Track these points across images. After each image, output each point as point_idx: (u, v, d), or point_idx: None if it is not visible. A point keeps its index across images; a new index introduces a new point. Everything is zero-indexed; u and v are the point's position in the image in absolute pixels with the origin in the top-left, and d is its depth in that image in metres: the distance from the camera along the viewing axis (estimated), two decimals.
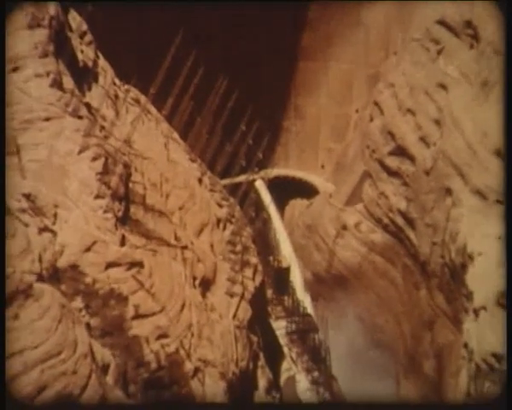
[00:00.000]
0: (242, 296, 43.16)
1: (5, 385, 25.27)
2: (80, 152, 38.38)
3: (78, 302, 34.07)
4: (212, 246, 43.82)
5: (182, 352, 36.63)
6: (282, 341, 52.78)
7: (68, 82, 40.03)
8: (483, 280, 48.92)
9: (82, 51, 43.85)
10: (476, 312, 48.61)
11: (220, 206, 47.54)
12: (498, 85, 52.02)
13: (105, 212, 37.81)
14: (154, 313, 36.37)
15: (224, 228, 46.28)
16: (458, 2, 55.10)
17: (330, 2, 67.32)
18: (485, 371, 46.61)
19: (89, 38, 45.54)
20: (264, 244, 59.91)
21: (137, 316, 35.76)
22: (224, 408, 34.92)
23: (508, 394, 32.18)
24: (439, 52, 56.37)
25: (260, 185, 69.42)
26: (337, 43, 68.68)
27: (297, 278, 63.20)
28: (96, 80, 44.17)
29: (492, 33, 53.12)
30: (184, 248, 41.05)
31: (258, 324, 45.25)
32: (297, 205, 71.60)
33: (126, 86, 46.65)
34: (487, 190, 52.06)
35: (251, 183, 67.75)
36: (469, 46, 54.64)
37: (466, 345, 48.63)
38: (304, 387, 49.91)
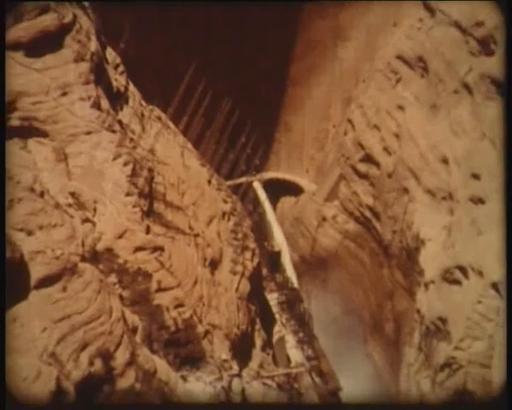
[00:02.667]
0: (243, 274, 43.31)
1: (5, 385, 23.37)
2: (114, 159, 38.58)
3: (113, 278, 34.29)
4: (218, 234, 43.87)
5: (195, 318, 36.83)
6: (274, 309, 52.59)
7: (105, 104, 40.09)
8: (432, 260, 49.54)
9: (116, 79, 43.80)
10: (426, 285, 49.32)
11: (225, 202, 47.55)
12: (444, 107, 52.36)
13: (133, 207, 37.93)
14: (172, 288, 36.57)
15: (229, 220, 46.32)
16: (413, 40, 54.99)
17: (313, 40, 67.07)
18: (432, 331, 47.10)
19: (121, 68, 45.41)
20: (260, 233, 59.25)
21: (159, 289, 35.95)
22: (225, 408, 32.50)
23: (508, 394, 28.95)
24: (398, 81, 56.50)
25: (257, 186, 69.10)
26: (318, 73, 68.23)
27: (286, 260, 62.81)
28: (127, 102, 44.04)
29: (438, 65, 53.28)
30: (196, 235, 41.17)
31: (256, 296, 45.32)
32: (286, 201, 71.24)
33: (150, 107, 46.53)
34: (436, 190, 52.46)
35: (249, 183, 67.80)
36: (420, 76, 54.68)
37: (418, 311, 49.30)
38: (291, 345, 49.80)
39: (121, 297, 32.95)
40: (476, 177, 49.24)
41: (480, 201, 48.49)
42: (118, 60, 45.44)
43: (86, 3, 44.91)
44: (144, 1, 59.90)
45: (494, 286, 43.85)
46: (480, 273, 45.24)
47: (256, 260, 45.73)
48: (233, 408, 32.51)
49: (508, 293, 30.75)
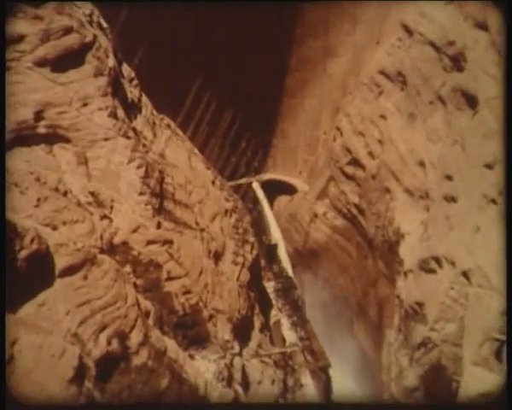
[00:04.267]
0: (243, 265, 43.34)
1: (5, 385, 22.52)
2: (129, 162, 38.56)
3: (128, 268, 34.33)
4: (221, 229, 43.86)
5: (200, 303, 37.02)
6: (271, 295, 52.45)
7: (121, 113, 40.05)
8: (410, 252, 49.51)
9: (130, 92, 43.73)
10: (405, 273, 49.22)
11: (227, 200, 47.47)
12: (421, 116, 52.27)
13: (146, 205, 38.00)
14: (180, 277, 36.69)
15: (230, 216, 46.25)
16: (394, 57, 54.94)
17: (306, 57, 66.87)
18: (410, 314, 47.12)
19: (135, 82, 45.34)
20: (259, 228, 59.44)
21: (169, 278, 36.07)
22: (227, 408, 31.21)
23: (508, 394, 27.34)
24: (380, 93, 56.33)
25: (256, 186, 69.27)
26: (310, 86, 68.08)
27: (282, 252, 62.90)
28: (140, 112, 43.95)
29: (416, 79, 53.21)
30: (202, 230, 41.22)
31: (255, 284, 45.37)
32: (282, 200, 71.03)
33: (161, 116, 46.53)
34: (414, 189, 52.38)
35: (249, 184, 68.30)
36: (400, 89, 54.51)
37: (398, 297, 49.24)
38: (286, 327, 49.76)
39: (135, 285, 32.93)
40: (449, 178, 49.20)
41: (452, 199, 48.42)
42: (132, 74, 45.49)
43: (105, 25, 45.00)
44: (157, 24, 59.83)
45: (464, 274, 43.80)
46: (452, 263, 45.19)
47: (255, 252, 45.65)
48: (235, 409, 31.54)
49: (508, 293, 29.79)
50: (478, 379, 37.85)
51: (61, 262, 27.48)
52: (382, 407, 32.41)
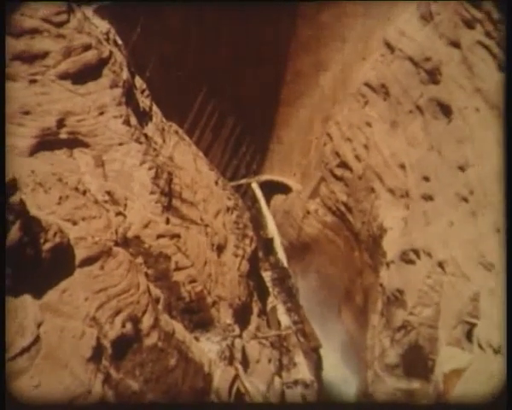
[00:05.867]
0: (243, 256, 42.97)
1: (5, 385, 21.22)
2: (141, 165, 38.38)
3: (140, 259, 34.10)
4: (224, 224, 43.57)
5: (205, 291, 36.76)
6: (268, 284, 52.15)
7: (133, 121, 39.95)
8: (392, 244, 49.41)
9: (142, 101, 43.64)
10: (388, 264, 49.13)
11: (229, 199, 47.14)
12: (402, 124, 52.27)
13: (156, 203, 37.77)
14: (187, 267, 36.42)
15: (232, 213, 45.87)
16: (377, 71, 54.91)
17: (300, 71, 66.86)
18: (392, 300, 47.13)
19: (146, 93, 45.24)
20: (257, 223, 59.02)
21: (177, 269, 35.83)
22: (226, 408, 29.68)
23: (508, 394, 25.00)
24: (366, 103, 56.12)
25: (255, 186, 68.70)
26: (303, 96, 67.71)
27: (278, 245, 62.35)
28: (151, 119, 43.80)
29: (397, 91, 53.15)
30: (206, 225, 40.93)
31: (253, 274, 45.02)
32: (278, 198, 70.52)
33: (169, 123, 46.34)
34: (395, 189, 52.27)
35: (249, 184, 68.09)
36: (383, 99, 54.36)
37: (381, 284, 49.19)
38: (281, 312, 49.32)
39: (146, 275, 32.80)
40: (426, 179, 49.26)
41: (429, 198, 48.51)
42: (144, 86, 45.35)
43: (120, 42, 45.00)
44: (166, 42, 59.88)
45: (440, 264, 43.85)
46: (429, 255, 45.23)
47: (254, 245, 45.30)
48: (238, 408, 30.30)
49: (508, 294, 28.69)
50: (451, 357, 37.91)
51: (80, 254, 27.45)
52: (382, 407, 29.95)
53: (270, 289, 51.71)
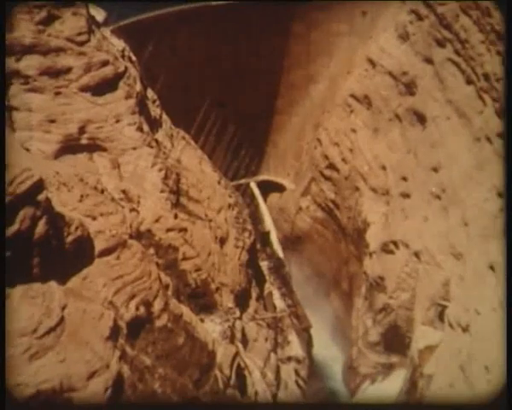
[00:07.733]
0: (243, 248, 42.64)
1: (5, 385, 19.68)
2: (152, 167, 38.17)
3: (151, 251, 33.76)
4: (226, 219, 43.34)
5: (209, 278, 36.59)
6: (265, 272, 51.39)
7: (146, 128, 39.76)
8: (374, 237, 49.33)
9: (153, 111, 43.46)
10: (370, 254, 49.06)
11: (230, 197, 46.81)
12: (382, 130, 52.22)
13: (166, 200, 37.61)
14: (193, 257, 36.29)
15: (233, 209, 45.61)
16: (361, 84, 54.84)
17: (292, 83, 66.79)
18: (374, 286, 47.23)
19: (157, 103, 44.93)
20: (255, 218, 58.69)
21: (184, 258, 35.65)
22: (225, 407, 27.98)
23: (508, 394, 22.81)
24: (351, 112, 55.95)
25: (253, 185, 68.47)
26: (296, 106, 67.60)
27: (274, 238, 61.91)
28: (161, 126, 43.54)
29: (378, 101, 53.08)
30: (210, 220, 40.78)
31: (252, 263, 44.72)
32: (274, 196, 70.24)
33: (177, 130, 45.96)
34: (377, 188, 51.99)
35: (248, 184, 67.98)
36: (366, 109, 54.23)
37: (365, 272, 49.19)
38: (276, 297, 48.79)
39: (157, 264, 32.62)
40: (404, 179, 49.24)
41: (406, 195, 48.54)
42: (155, 97, 45.16)
43: (134, 58, 44.90)
44: (175, 57, 59.91)
45: (416, 254, 44.00)
46: (407, 246, 45.34)
47: (252, 237, 45.09)
48: (237, 408, 28.72)
49: (508, 293, 27.53)
50: (425, 335, 38.12)
51: (99, 245, 27.44)
52: (382, 407, 27.12)
53: (267, 277, 51.29)
